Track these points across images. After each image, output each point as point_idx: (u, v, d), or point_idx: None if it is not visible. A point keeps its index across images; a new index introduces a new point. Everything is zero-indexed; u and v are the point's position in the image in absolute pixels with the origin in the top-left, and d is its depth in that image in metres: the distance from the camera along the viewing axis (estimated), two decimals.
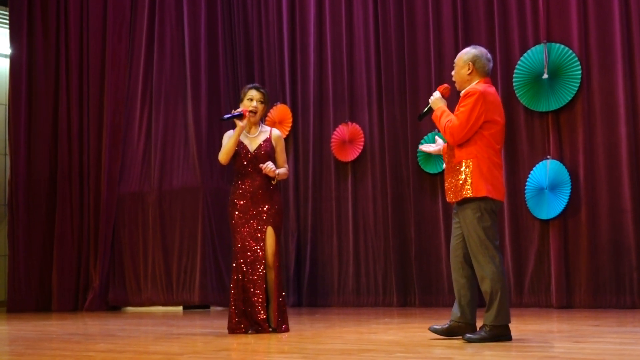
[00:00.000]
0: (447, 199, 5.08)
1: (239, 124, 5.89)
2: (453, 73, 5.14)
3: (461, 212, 4.97)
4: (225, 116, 6.04)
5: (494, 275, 4.81)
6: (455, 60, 5.14)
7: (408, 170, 8.65)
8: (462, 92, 5.06)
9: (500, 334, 4.83)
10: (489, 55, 5.11)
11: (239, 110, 5.94)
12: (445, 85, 5.20)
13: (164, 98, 9.81)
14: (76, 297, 10.08)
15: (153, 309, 9.61)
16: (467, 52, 5.09)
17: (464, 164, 4.92)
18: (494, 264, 4.83)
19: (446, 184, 5.06)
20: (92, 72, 10.26)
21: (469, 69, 5.03)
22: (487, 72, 5.06)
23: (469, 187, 4.87)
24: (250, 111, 5.92)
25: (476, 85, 5.00)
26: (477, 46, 5.21)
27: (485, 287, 4.84)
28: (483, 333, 4.83)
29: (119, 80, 10.14)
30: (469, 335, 4.88)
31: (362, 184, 9.04)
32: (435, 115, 5.08)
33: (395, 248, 8.66)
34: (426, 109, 5.21)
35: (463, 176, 4.91)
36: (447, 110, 5.05)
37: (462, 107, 4.93)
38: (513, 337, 4.93)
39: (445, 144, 5.22)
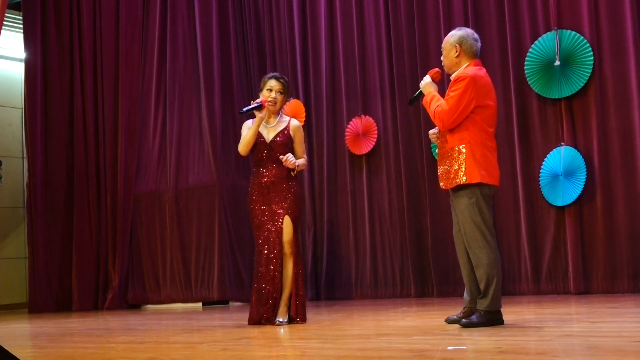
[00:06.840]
0: (441, 186, 5.05)
1: (258, 114, 5.88)
2: (442, 58, 5.13)
3: (456, 198, 4.96)
4: (244, 109, 6.01)
5: (490, 261, 4.80)
6: (443, 44, 5.13)
7: (422, 161, 8.66)
8: (453, 76, 5.02)
9: (494, 318, 4.83)
10: (475, 35, 5.08)
11: (257, 101, 5.94)
12: (436, 69, 5.18)
13: (177, 96, 9.87)
14: (96, 297, 10.17)
15: (173, 306, 9.68)
16: (453, 35, 5.07)
17: (456, 150, 4.88)
18: (490, 250, 4.82)
19: (439, 171, 5.04)
20: (106, 73, 10.36)
21: (456, 52, 5.00)
22: (475, 52, 5.03)
23: (462, 173, 4.84)
24: (269, 102, 5.95)
25: (466, 69, 4.96)
26: (462, 27, 5.20)
27: (481, 273, 4.82)
28: (479, 318, 4.81)
29: (133, 80, 10.21)
30: (465, 320, 4.84)
31: (377, 177, 9.06)
32: (425, 100, 5.05)
33: (411, 239, 8.68)
34: (417, 93, 5.19)
35: (457, 162, 4.87)
36: (437, 95, 5.02)
37: (452, 92, 4.89)
38: (532, 320, 4.95)
39: (438, 130, 5.16)
